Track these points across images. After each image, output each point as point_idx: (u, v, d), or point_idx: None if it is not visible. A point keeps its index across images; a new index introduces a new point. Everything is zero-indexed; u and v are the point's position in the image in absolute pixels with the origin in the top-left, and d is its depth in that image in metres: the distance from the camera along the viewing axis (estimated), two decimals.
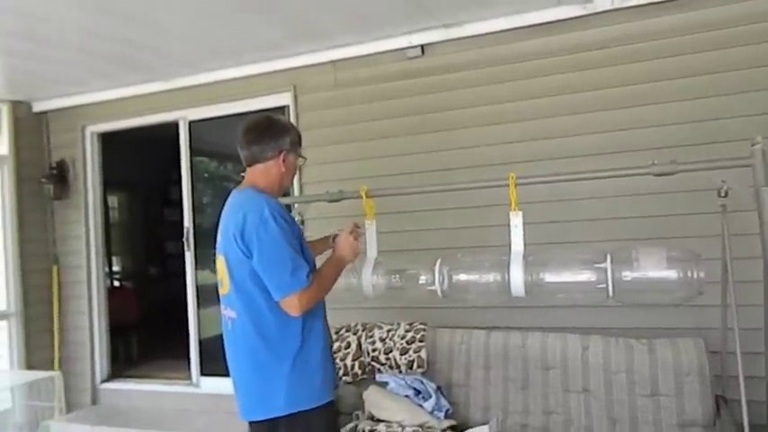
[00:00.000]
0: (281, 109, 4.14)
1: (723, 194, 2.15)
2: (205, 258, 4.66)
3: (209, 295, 4.59)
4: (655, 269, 2.24)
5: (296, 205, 3.14)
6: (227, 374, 1.96)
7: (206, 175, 4.79)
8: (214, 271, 4.98)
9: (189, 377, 4.53)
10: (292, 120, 4.06)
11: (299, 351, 1.96)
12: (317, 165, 3.93)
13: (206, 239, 4.64)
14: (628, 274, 2.22)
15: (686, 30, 3.09)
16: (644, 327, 3.05)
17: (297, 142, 2.14)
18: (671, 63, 3.12)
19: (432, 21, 3.44)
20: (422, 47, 3.64)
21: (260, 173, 2.08)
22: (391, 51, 3.70)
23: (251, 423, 2.07)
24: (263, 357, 1.96)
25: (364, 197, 2.62)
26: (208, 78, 4.24)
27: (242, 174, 2.15)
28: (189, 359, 4.54)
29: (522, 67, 3.43)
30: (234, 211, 2.01)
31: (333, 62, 3.89)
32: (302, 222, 2.74)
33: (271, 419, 1.97)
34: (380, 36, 3.66)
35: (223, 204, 2.13)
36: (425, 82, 3.67)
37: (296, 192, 4.01)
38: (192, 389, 4.49)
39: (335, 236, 2.24)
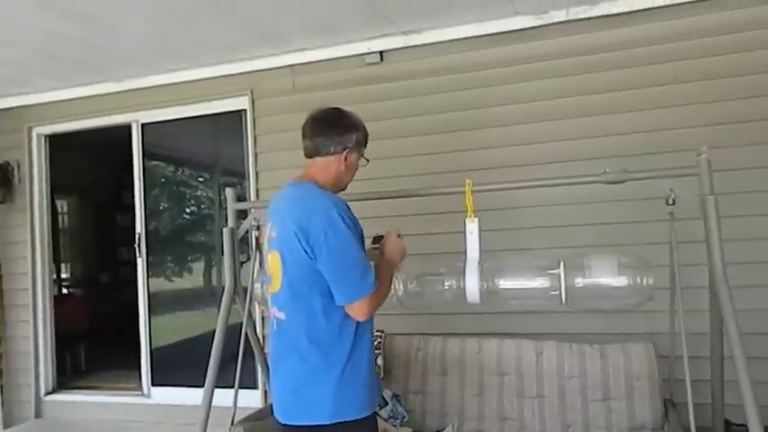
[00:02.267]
0: (238, 113, 4.07)
1: (671, 202, 2.20)
2: (158, 265, 4.53)
3: (161, 303, 4.46)
4: (606, 276, 2.29)
5: (251, 210, 3.08)
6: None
7: (162, 180, 4.67)
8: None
9: (140, 388, 4.38)
10: (249, 124, 4.01)
11: (350, 357, 1.84)
12: (274, 170, 3.89)
13: (160, 246, 4.52)
14: (580, 281, 2.27)
15: (638, 42, 3.17)
16: (597, 332, 3.10)
17: (362, 142, 2.05)
18: (623, 74, 3.20)
19: (391, 27, 3.45)
20: (381, 53, 3.64)
21: (319, 167, 1.99)
22: (350, 57, 3.69)
23: (288, 426, 1.92)
24: (311, 361, 1.84)
25: None
26: (162, 80, 4.13)
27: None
28: (140, 369, 4.39)
29: (479, 75, 3.47)
30: (295, 207, 1.88)
31: (291, 66, 3.85)
32: (258, 228, 2.70)
33: (313, 426, 1.85)
34: (340, 41, 3.64)
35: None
36: (384, 88, 3.67)
37: (252, 196, 3.94)
38: (143, 399, 4.34)
39: (374, 244, 2.12)
